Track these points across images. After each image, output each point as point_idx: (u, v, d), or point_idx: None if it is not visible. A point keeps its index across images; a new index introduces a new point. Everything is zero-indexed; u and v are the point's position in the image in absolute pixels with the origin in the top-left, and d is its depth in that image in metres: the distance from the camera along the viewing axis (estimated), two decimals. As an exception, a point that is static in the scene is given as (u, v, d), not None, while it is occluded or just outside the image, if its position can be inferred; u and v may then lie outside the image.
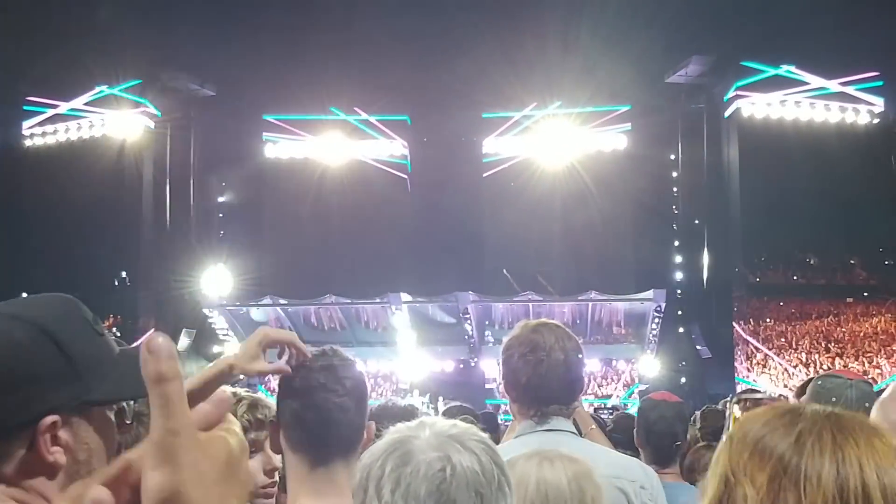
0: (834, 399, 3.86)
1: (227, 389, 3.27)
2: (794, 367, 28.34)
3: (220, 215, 31.86)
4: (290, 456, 2.49)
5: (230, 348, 29.35)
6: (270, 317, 30.55)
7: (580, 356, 3.38)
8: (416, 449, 1.72)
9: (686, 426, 5.22)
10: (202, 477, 1.09)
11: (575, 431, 3.43)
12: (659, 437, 4.92)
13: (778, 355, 29.16)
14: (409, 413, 4.37)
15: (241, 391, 3.23)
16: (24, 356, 1.62)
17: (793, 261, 33.04)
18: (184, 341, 28.91)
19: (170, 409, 1.08)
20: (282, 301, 30.25)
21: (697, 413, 6.84)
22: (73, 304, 1.75)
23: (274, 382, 2.54)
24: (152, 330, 25.88)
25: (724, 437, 1.66)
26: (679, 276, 29.53)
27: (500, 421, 12.18)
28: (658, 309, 27.47)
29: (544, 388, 3.28)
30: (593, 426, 4.55)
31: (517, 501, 1.85)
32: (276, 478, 2.86)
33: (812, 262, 33.10)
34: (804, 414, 1.54)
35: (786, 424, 1.51)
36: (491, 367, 28.09)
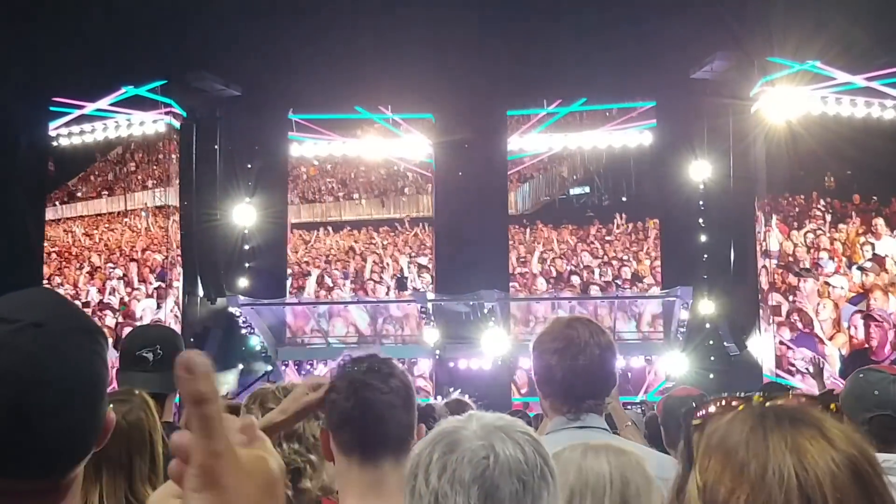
0: (876, 392, 3.85)
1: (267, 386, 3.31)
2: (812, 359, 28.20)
3: (245, 218, 31.86)
4: (340, 459, 2.52)
5: (256, 343, 29.48)
6: (296, 314, 30.65)
7: (614, 351, 3.37)
8: (463, 438, 1.79)
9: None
10: (246, 499, 1.08)
11: (607, 428, 3.43)
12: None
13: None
14: (427, 415, 4.38)
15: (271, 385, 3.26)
16: (107, 367, 1.63)
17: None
18: (213, 340, 29.02)
19: (211, 430, 1.07)
20: (307, 299, 30.34)
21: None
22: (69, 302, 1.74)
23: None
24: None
25: (694, 460, 1.66)
26: (705, 272, 29.36)
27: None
28: (685, 305, 27.40)
29: (579, 383, 3.27)
30: (628, 423, 4.55)
31: (559, 488, 1.88)
32: None
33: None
34: (768, 420, 1.54)
35: (754, 431, 1.52)
36: (516, 364, 28.09)
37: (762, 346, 28.32)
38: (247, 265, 31.17)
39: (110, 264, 31.52)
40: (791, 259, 28.45)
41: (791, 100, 29.48)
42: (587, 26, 27.31)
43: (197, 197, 31.52)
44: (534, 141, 33.13)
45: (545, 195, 33.09)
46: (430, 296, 29.27)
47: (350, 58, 27.63)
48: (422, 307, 28.84)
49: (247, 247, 31.55)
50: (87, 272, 31.55)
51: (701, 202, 29.80)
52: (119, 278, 31.14)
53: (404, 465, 2.50)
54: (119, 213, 32.66)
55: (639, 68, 28.57)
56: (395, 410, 2.49)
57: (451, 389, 25.21)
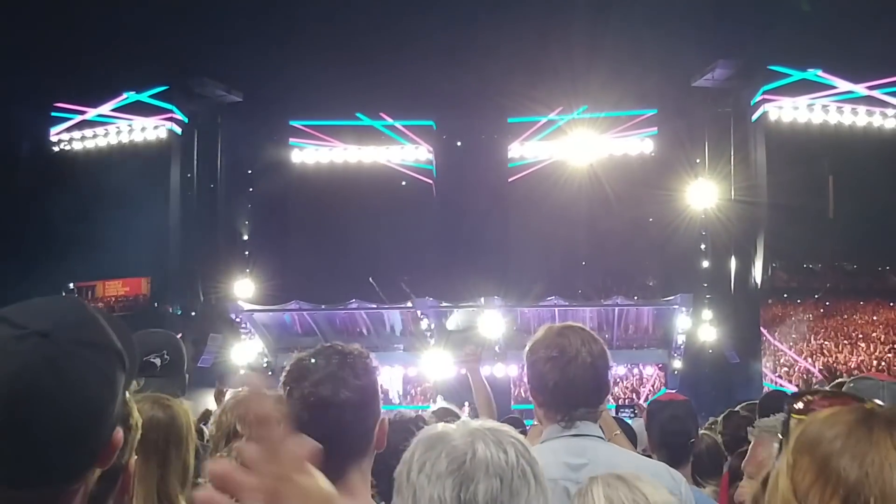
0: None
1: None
2: (820, 370, 28.20)
3: (247, 222, 31.93)
4: None
5: (256, 348, 29.43)
6: (296, 321, 30.59)
7: (606, 359, 3.34)
8: (446, 438, 1.80)
9: (696, 423, 5.21)
10: None
11: (602, 436, 3.40)
12: (674, 436, 4.91)
13: (806, 360, 29.01)
14: (416, 423, 4.38)
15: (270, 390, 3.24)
16: (112, 387, 1.60)
17: (820, 265, 32.76)
18: (211, 346, 28.96)
19: (276, 453, 1.06)
20: (307, 306, 30.25)
21: (720, 418, 6.79)
22: (92, 309, 1.70)
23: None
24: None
25: (784, 447, 1.57)
26: (706, 279, 29.34)
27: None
28: (685, 313, 27.33)
29: (571, 391, 3.23)
30: (617, 431, 4.52)
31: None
32: None
33: (838, 266, 32.76)
34: (877, 426, 1.42)
35: (859, 440, 1.40)
36: (515, 372, 28.04)
37: (763, 356, 28.36)
38: (247, 270, 31.14)
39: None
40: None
41: (792, 107, 29.53)
42: (588, 35, 27.31)
43: (197, 202, 31.55)
44: (534, 148, 33.19)
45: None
46: (431, 302, 29.20)
47: (351, 65, 27.64)
48: (422, 313, 28.80)
49: (247, 252, 31.55)
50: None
51: (702, 212, 29.78)
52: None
53: (365, 466, 2.53)
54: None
55: (640, 76, 28.58)
56: (346, 425, 2.47)
57: (439, 398, 25.19)
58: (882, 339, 30.42)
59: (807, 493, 1.45)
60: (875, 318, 31.17)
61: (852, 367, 28.61)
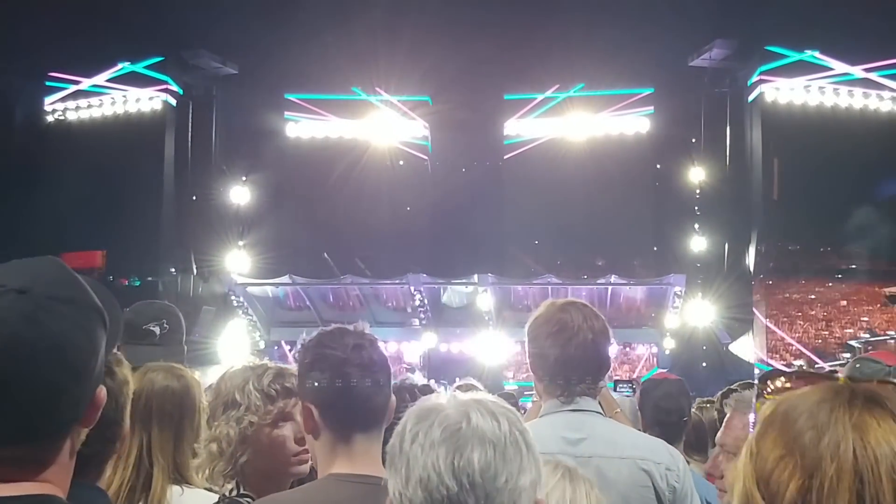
0: None
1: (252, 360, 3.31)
2: (812, 350, 28.33)
3: (241, 195, 31.84)
4: (328, 433, 2.53)
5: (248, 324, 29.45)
6: (290, 295, 30.60)
7: (607, 336, 3.35)
8: (439, 408, 1.83)
9: (689, 402, 5.24)
10: None
11: (601, 411, 3.41)
12: (667, 413, 4.94)
13: (798, 341, 29.10)
14: (424, 391, 4.41)
15: (269, 363, 3.24)
16: (93, 343, 1.61)
17: (814, 246, 32.75)
18: (205, 318, 28.95)
19: None
20: (301, 280, 30.27)
21: (718, 394, 6.81)
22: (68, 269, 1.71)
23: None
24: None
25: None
26: (700, 260, 29.38)
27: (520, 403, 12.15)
28: (678, 293, 27.40)
29: (572, 367, 3.24)
30: (618, 409, 4.53)
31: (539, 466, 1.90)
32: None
33: (831, 248, 32.77)
34: (839, 404, 1.43)
35: (820, 418, 1.41)
36: (508, 349, 28.06)
37: (755, 337, 28.43)
38: (241, 243, 31.09)
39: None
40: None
41: (788, 88, 29.51)
42: (585, 12, 27.25)
43: (192, 174, 31.49)
44: (530, 126, 33.14)
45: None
46: (425, 278, 29.22)
47: (347, 39, 27.55)
48: (415, 289, 28.83)
49: (241, 226, 31.47)
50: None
51: (696, 190, 29.80)
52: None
53: (380, 433, 2.56)
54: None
55: (637, 55, 28.53)
56: (380, 388, 2.53)
57: (417, 373, 25.19)
58: (821, 317, 30.80)
59: (772, 471, 1.45)
60: (813, 296, 31.30)
61: (788, 343, 29.01)
